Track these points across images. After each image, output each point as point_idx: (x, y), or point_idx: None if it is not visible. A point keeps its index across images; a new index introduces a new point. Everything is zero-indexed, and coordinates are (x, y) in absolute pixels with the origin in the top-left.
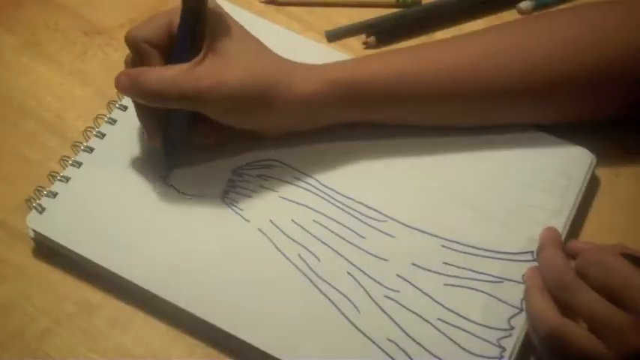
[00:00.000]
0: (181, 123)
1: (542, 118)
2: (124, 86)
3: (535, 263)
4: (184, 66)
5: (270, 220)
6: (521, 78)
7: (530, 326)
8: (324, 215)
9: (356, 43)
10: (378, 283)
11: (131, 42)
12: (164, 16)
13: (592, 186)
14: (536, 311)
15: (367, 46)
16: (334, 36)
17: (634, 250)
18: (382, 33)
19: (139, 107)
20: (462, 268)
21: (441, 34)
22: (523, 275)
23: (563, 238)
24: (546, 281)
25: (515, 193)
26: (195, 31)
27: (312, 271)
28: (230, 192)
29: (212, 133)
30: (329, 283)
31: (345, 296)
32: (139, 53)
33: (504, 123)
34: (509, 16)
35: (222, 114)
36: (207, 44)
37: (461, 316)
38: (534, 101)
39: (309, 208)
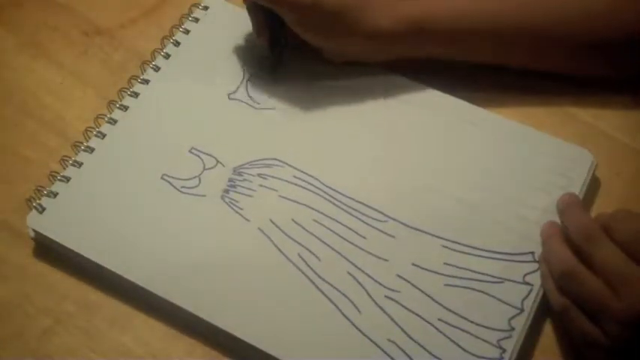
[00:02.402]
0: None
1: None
2: None
3: (536, 265)
4: None
5: (271, 220)
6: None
7: (544, 271)
8: (325, 215)
9: None
10: (378, 283)
11: None
12: None
13: (592, 186)
14: (554, 252)
15: None
16: None
17: None
18: None
19: (251, 6)
20: (463, 268)
21: None
22: (524, 276)
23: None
24: (569, 233)
25: (516, 193)
26: None
27: (313, 270)
28: (230, 191)
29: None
30: (329, 283)
31: (346, 296)
32: None
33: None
34: None
35: (301, 24)
36: None
37: (461, 316)
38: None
39: (310, 207)
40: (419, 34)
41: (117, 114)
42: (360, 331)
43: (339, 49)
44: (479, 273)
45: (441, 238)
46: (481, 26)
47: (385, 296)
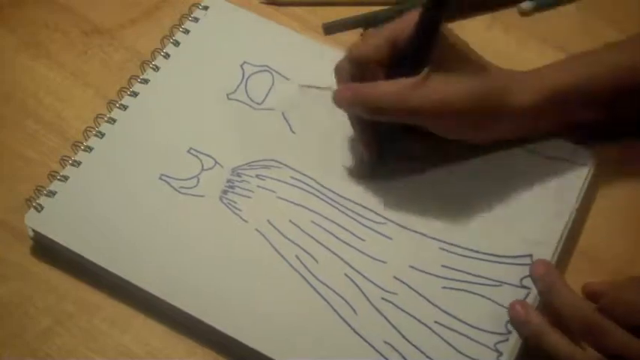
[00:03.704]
0: (393, 134)
1: None
2: (348, 100)
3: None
4: (411, 80)
5: (268, 221)
6: None
7: (543, 328)
8: (323, 216)
9: (352, 39)
10: (375, 285)
11: (358, 60)
12: (389, 31)
13: (592, 188)
14: (568, 306)
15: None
16: (331, 28)
17: None
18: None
19: (357, 121)
20: (460, 271)
21: None
22: (521, 279)
23: (562, 240)
24: (567, 322)
25: (514, 195)
26: (423, 47)
27: (310, 272)
28: (228, 192)
29: (418, 142)
30: (326, 285)
31: (343, 298)
32: (363, 70)
33: None
34: (508, 15)
35: (445, 128)
36: (433, 60)
37: (458, 319)
38: None
39: (308, 208)
40: (568, 103)
41: (116, 114)
42: (356, 332)
43: (484, 136)
44: (476, 276)
45: (439, 240)
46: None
47: (382, 298)
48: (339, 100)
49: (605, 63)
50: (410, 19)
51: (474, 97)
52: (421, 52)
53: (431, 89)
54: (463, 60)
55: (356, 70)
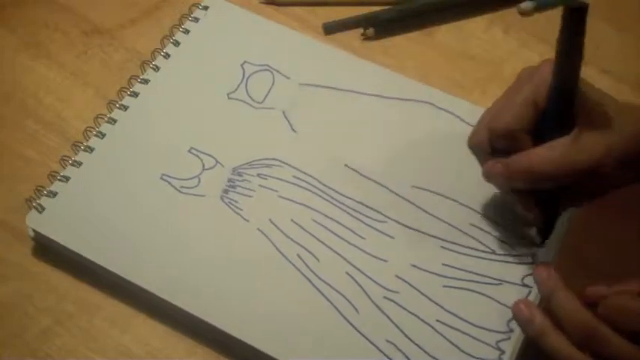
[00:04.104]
0: (553, 195)
1: None
2: (504, 175)
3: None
4: (566, 141)
5: (270, 220)
6: None
7: (544, 327)
8: (324, 215)
9: (353, 39)
10: (377, 283)
11: (506, 134)
12: (527, 95)
13: None
14: (569, 316)
15: (365, 37)
16: (331, 28)
17: None
18: (380, 26)
19: (517, 192)
20: (462, 269)
21: (440, 29)
22: (522, 278)
23: (562, 239)
24: (566, 328)
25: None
26: (566, 106)
27: (311, 271)
28: (230, 191)
29: (579, 198)
30: (328, 284)
31: (344, 297)
32: (512, 141)
33: None
34: (508, 15)
35: (611, 178)
36: (580, 116)
37: (460, 317)
38: None
39: (309, 207)
40: None
41: (117, 114)
42: (358, 331)
43: None
44: (477, 274)
45: (440, 239)
46: None
47: (384, 297)
48: (490, 177)
49: None
50: (545, 71)
51: (630, 142)
52: (562, 113)
53: (589, 144)
54: (609, 109)
55: (507, 142)
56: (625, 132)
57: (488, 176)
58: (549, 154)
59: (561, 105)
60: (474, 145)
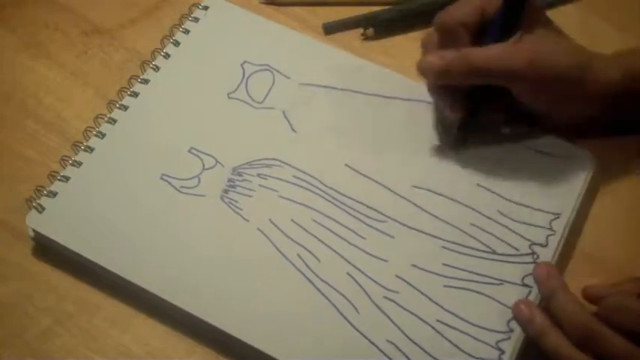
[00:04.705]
0: (480, 99)
1: None
2: (440, 66)
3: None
4: (505, 44)
5: (270, 220)
6: None
7: (545, 327)
8: (324, 215)
9: (353, 39)
10: (377, 283)
11: (446, 25)
12: (477, 1)
13: (593, 187)
14: (568, 316)
15: (365, 37)
16: (331, 28)
17: None
18: (380, 26)
19: (440, 87)
20: (462, 269)
21: None
22: (522, 278)
23: (563, 239)
24: (566, 329)
25: (515, 194)
26: (512, 15)
27: (312, 271)
28: (230, 191)
29: (501, 111)
30: (328, 284)
31: (344, 297)
32: (450, 36)
33: None
34: None
35: (534, 93)
36: (523, 27)
37: (460, 317)
38: None
39: (309, 207)
40: None
41: (117, 114)
42: (358, 331)
43: (570, 110)
44: (478, 274)
45: (440, 239)
46: None
47: (384, 297)
48: (423, 68)
49: None
50: None
51: (561, 62)
52: (510, 19)
53: (525, 49)
54: (551, 30)
55: (445, 37)
56: (562, 46)
57: (423, 68)
58: (489, 51)
59: (507, 16)
60: (422, 44)
